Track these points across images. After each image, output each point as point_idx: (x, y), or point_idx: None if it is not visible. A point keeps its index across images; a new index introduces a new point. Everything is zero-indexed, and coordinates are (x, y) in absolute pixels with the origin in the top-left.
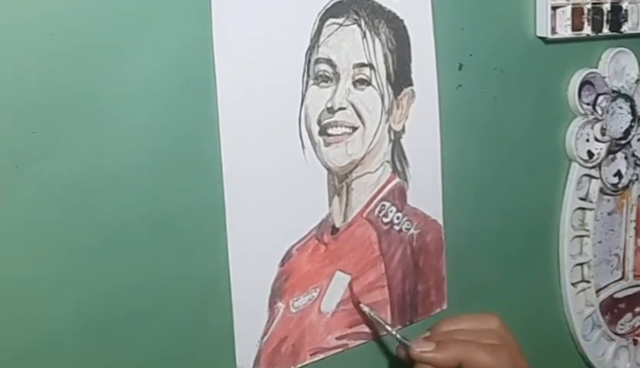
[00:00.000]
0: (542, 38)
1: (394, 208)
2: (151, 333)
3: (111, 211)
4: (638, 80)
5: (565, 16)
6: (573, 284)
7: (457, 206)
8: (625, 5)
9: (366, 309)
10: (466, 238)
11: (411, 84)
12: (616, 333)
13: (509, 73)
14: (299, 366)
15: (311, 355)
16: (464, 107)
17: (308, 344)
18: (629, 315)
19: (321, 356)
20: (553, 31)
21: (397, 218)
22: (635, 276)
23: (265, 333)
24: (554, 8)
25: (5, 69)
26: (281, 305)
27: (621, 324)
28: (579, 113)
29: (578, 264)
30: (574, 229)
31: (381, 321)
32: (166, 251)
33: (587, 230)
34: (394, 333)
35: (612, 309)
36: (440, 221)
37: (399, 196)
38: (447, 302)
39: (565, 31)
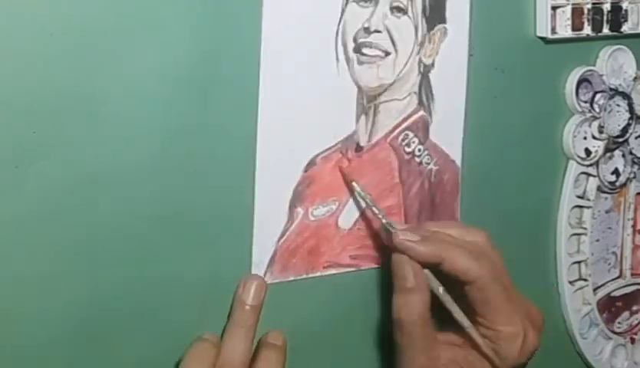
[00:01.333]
0: (542, 38)
1: (416, 140)
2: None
3: (112, 211)
4: (635, 78)
5: (565, 16)
6: (570, 283)
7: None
8: (625, 5)
9: (357, 188)
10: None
11: (444, 22)
12: (613, 332)
13: (510, 73)
14: (311, 275)
15: (324, 267)
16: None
17: (322, 255)
18: (626, 313)
19: (334, 271)
20: (553, 31)
21: (419, 150)
22: (632, 274)
23: (282, 235)
24: (554, 8)
25: (5, 69)
26: (300, 210)
27: (619, 323)
28: (577, 110)
29: (575, 263)
30: (571, 227)
31: (369, 202)
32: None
33: (584, 228)
34: (380, 217)
35: (610, 307)
36: (459, 163)
37: (422, 128)
38: None
39: (565, 31)
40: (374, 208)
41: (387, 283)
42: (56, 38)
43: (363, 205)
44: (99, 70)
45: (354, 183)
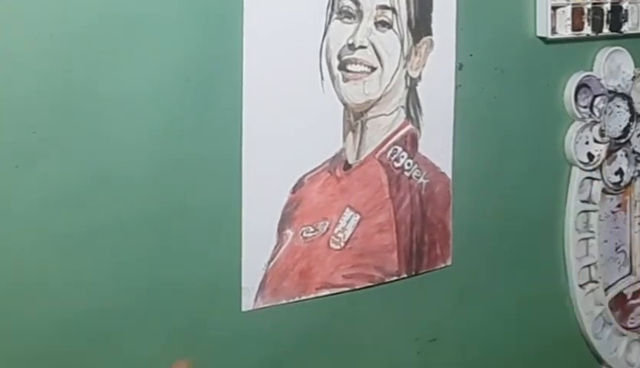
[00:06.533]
0: (542, 38)
1: (405, 154)
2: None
3: (111, 210)
4: (634, 77)
5: (565, 16)
6: (581, 286)
7: (458, 207)
8: (625, 5)
9: None
10: (471, 235)
11: (430, 34)
12: (627, 328)
13: (509, 73)
14: (304, 298)
15: (317, 289)
16: (464, 107)
17: (314, 277)
18: (639, 309)
19: (327, 292)
20: (553, 31)
21: (408, 164)
22: None
23: (272, 258)
24: (554, 8)
25: (6, 69)
26: (289, 232)
27: (632, 318)
28: (577, 117)
29: (585, 266)
30: (579, 232)
31: None
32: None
33: (592, 231)
34: None
35: (622, 305)
36: (449, 175)
37: (411, 143)
38: (451, 258)
39: (565, 31)
40: None
41: (383, 301)
42: (56, 39)
43: None
44: (98, 71)
45: None
